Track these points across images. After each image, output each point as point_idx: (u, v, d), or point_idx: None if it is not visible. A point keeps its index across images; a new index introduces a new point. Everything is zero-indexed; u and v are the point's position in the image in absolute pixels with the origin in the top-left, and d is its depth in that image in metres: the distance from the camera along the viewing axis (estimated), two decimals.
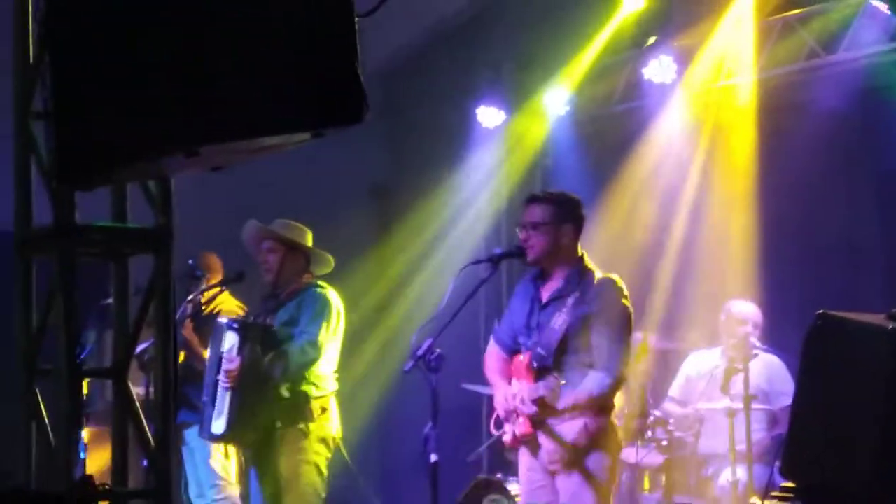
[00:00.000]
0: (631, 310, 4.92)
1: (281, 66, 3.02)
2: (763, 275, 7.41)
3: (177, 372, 3.58)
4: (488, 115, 8.87)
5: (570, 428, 4.79)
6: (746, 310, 6.87)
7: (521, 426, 4.82)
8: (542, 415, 4.79)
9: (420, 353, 4.72)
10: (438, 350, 4.73)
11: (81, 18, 3.23)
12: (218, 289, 6.64)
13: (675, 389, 7.09)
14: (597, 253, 5.15)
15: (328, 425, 5.69)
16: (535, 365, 4.86)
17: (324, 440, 5.66)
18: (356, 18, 3.08)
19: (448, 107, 9.06)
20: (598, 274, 4.93)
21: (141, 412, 3.65)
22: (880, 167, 7.27)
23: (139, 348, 5.29)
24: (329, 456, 5.70)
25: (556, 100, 8.59)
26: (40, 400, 3.61)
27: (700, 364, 7.04)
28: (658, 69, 7.86)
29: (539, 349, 4.86)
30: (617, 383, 4.82)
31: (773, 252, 7.47)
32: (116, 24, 3.14)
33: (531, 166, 8.84)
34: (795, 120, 7.39)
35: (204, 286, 6.71)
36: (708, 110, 7.95)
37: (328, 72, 3.04)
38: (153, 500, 3.49)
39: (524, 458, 4.99)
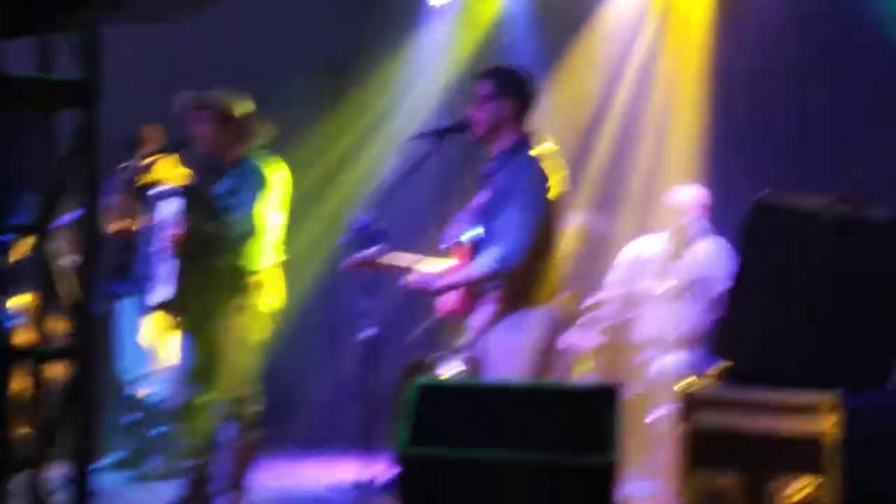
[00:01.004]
0: (548, 187, 4.59)
1: None
2: (712, 153, 7.39)
3: (99, 232, 3.48)
4: None
5: (481, 311, 4.61)
6: (689, 197, 6.82)
7: (451, 303, 4.74)
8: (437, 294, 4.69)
9: (358, 226, 4.65)
10: (379, 224, 4.68)
11: None
12: (155, 156, 6.49)
13: (615, 273, 7.08)
14: (547, 132, 4.98)
15: (264, 301, 5.61)
16: (447, 245, 4.76)
17: (259, 317, 5.57)
18: None
19: None
20: (532, 152, 4.67)
21: (63, 272, 3.57)
22: (835, 41, 7.21)
23: (75, 215, 5.19)
24: (265, 333, 5.61)
25: None
26: None
27: (642, 249, 7.02)
28: None
29: (457, 226, 4.76)
30: (510, 258, 4.46)
31: (722, 129, 7.44)
32: None
33: (485, 43, 8.68)
34: None
35: (140, 153, 6.56)
36: None
37: None
38: (74, 360, 3.44)
39: None
